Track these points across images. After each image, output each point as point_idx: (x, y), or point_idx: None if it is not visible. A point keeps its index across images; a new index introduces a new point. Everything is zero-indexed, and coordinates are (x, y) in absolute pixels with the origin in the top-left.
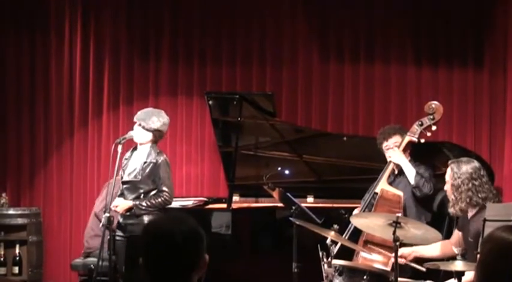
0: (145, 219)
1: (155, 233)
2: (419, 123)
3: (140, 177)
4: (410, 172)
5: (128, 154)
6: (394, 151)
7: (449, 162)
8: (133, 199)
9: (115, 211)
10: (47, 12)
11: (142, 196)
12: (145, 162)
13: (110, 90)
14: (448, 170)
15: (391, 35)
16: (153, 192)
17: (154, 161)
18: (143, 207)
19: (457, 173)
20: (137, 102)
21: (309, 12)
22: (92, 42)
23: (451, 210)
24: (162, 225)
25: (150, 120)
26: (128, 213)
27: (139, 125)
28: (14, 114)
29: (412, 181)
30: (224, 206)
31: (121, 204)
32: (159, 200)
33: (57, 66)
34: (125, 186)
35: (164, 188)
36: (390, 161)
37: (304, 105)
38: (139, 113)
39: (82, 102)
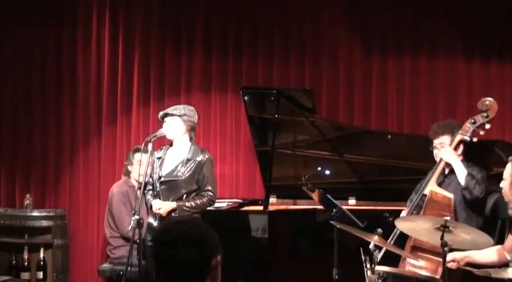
0: None
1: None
2: (472, 121)
3: (183, 176)
4: (461, 172)
5: (160, 153)
6: (445, 148)
7: (510, 158)
8: (176, 200)
9: (158, 213)
10: (74, 5)
11: (184, 197)
12: (188, 160)
13: (139, 86)
14: (508, 166)
15: (439, 26)
16: (195, 193)
17: (199, 159)
18: (187, 209)
19: None
20: (168, 98)
21: (350, 2)
22: (121, 36)
23: None
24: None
25: (178, 108)
26: (173, 215)
27: (171, 114)
28: (40, 112)
29: (462, 182)
30: (260, 208)
31: (164, 206)
32: (204, 200)
33: (85, 61)
34: (162, 186)
35: (209, 188)
36: (441, 160)
37: (345, 101)
38: (161, 112)
39: (110, 99)
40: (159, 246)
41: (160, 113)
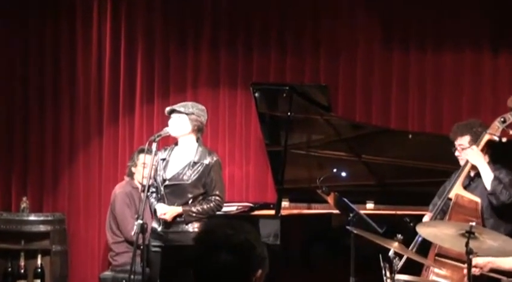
0: (191, 227)
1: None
2: (502, 119)
3: (190, 180)
4: (488, 176)
5: (164, 153)
6: (472, 149)
7: None
8: (182, 205)
9: (163, 219)
10: None
11: (190, 201)
12: (195, 163)
13: (143, 83)
14: None
15: (464, 17)
16: (201, 197)
17: (207, 162)
18: (194, 214)
19: None
20: (174, 95)
21: None
22: (123, 30)
23: None
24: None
25: (187, 106)
26: (178, 220)
27: (178, 111)
28: (37, 110)
29: (488, 186)
30: (272, 212)
31: (169, 211)
32: (211, 205)
33: (85, 56)
34: (167, 190)
35: (216, 192)
36: (466, 162)
37: (363, 99)
38: (168, 107)
39: (112, 97)
40: (198, 248)
41: (167, 109)
